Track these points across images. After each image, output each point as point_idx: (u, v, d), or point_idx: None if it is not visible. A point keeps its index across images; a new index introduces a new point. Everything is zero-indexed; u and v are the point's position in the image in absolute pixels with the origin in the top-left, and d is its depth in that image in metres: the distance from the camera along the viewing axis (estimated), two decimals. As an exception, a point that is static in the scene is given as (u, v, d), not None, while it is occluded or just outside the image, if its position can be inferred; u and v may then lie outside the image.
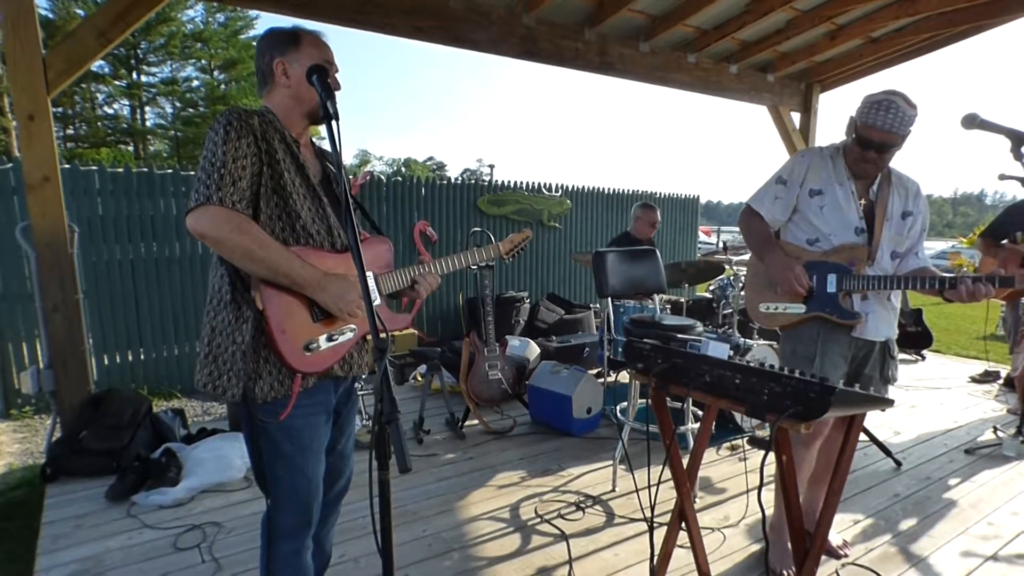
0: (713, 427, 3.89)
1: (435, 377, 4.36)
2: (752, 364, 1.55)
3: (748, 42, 5.59)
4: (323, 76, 1.43)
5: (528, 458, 3.59)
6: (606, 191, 8.18)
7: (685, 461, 2.06)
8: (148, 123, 26.66)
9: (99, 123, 25.66)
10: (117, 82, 25.06)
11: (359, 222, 1.82)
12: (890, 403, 1.56)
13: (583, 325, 6.47)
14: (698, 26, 5.18)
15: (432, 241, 6.62)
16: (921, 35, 5.47)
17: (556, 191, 7.68)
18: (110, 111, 26.27)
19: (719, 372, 1.56)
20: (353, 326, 1.61)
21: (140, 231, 4.99)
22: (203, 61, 26.78)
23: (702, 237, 11.61)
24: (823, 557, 2.56)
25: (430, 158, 56.61)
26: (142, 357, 5.12)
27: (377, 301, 1.68)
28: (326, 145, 1.55)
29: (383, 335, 1.22)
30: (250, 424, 1.55)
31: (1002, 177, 3.47)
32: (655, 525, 2.18)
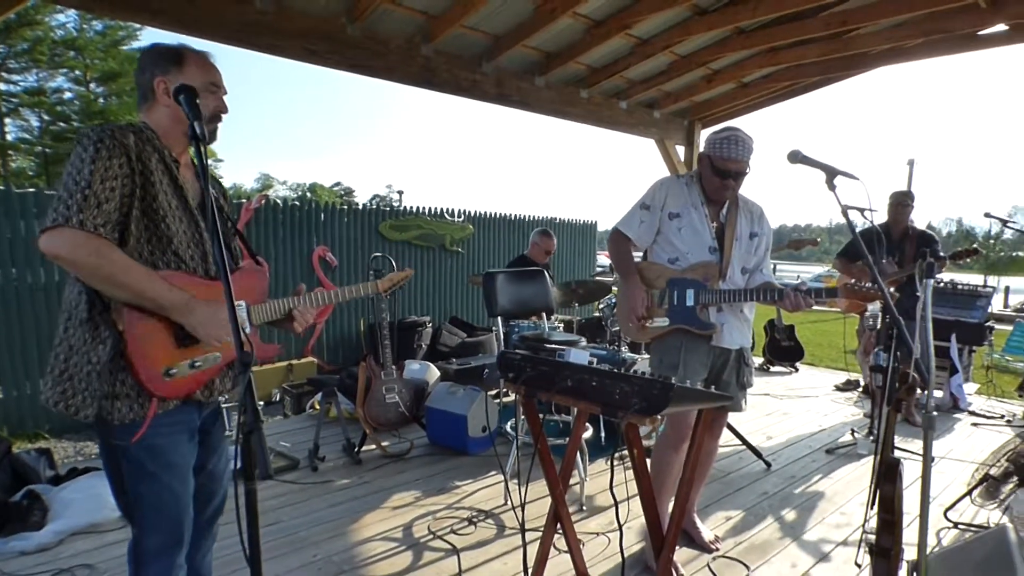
0: (603, 439, 4.12)
1: (332, 404, 4.29)
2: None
3: (635, 81, 6.01)
4: (191, 97, 1.36)
5: (424, 478, 3.61)
6: (509, 217, 8.40)
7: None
8: (9, 137, 23.36)
9: (-55, 134, 22.26)
10: (-33, 89, 21.75)
11: (237, 248, 1.80)
12: (727, 399, 1.76)
13: (485, 347, 6.56)
14: (589, 64, 5.52)
15: (332, 266, 6.53)
16: (783, 82, 6.17)
17: (459, 216, 7.80)
18: (-41, 121, 22.75)
19: (579, 376, 1.70)
20: (218, 353, 1.57)
21: (-4, 256, 4.59)
22: (77, 71, 23.78)
23: (602, 260, 12.13)
24: (696, 552, 2.78)
25: (337, 183, 55.46)
26: (1, 395, 4.66)
27: (247, 329, 1.67)
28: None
29: (248, 350, 1.22)
30: (108, 447, 1.52)
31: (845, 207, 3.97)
32: (534, 531, 2.27)
